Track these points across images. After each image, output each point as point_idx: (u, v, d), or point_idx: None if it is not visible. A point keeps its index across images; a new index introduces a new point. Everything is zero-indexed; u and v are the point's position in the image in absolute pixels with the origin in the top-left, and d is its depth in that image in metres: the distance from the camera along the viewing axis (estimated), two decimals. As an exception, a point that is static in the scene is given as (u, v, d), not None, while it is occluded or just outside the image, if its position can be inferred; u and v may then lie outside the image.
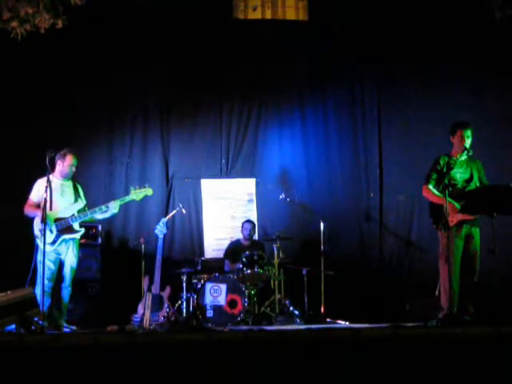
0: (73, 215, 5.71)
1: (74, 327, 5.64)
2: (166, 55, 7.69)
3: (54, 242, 5.59)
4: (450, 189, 5.21)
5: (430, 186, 5.46)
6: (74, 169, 5.84)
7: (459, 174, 5.40)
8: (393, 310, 6.63)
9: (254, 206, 7.86)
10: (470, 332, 4.15)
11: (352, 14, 7.69)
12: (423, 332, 4.36)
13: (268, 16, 8.05)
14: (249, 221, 7.41)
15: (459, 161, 5.41)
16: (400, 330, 4.66)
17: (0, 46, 6.47)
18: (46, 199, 5.28)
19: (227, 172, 7.92)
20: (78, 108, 7.46)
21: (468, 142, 5.44)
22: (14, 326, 4.93)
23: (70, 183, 5.87)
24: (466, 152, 5.36)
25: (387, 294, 7.11)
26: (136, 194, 5.88)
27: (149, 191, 5.97)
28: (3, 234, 6.70)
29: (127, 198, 5.88)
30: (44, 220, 5.25)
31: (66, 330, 5.55)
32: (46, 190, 5.32)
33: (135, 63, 7.60)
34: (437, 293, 5.67)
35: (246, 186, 7.91)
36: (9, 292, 5.01)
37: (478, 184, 5.44)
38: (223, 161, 7.92)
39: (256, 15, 8.02)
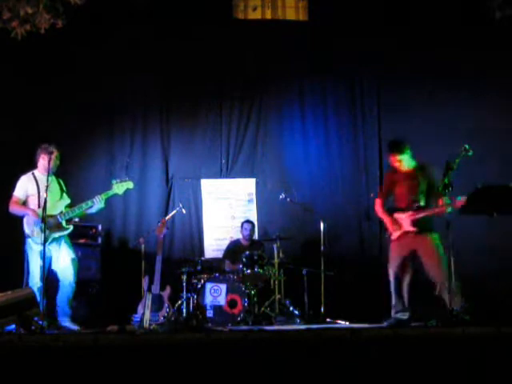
0: (61, 212, 5.67)
1: (77, 327, 5.59)
2: (165, 55, 7.69)
3: (45, 241, 5.43)
4: (450, 189, 5.21)
5: (379, 201, 5.81)
6: (58, 162, 5.75)
7: (408, 186, 5.60)
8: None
9: (254, 206, 7.86)
10: (469, 332, 4.15)
11: (352, 14, 7.69)
12: (423, 332, 4.36)
13: (268, 16, 8.05)
14: (248, 221, 7.41)
15: (403, 173, 5.63)
16: (400, 330, 4.66)
17: (0, 45, 6.47)
18: (46, 199, 5.28)
19: (227, 172, 7.92)
20: (77, 108, 7.46)
21: (401, 165, 5.61)
22: (13, 326, 4.93)
23: (53, 179, 5.79)
24: (465, 152, 5.35)
25: (387, 294, 7.09)
26: (118, 188, 5.85)
27: (129, 184, 5.95)
28: (3, 233, 6.70)
29: (110, 192, 5.85)
30: (44, 219, 5.24)
31: (72, 327, 5.52)
32: (46, 190, 5.32)
33: (135, 63, 7.60)
34: (436, 292, 5.67)
35: (245, 186, 7.91)
36: (9, 292, 5.01)
37: (423, 195, 5.53)
38: (223, 161, 7.92)
39: (256, 15, 8.01)
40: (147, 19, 7.52)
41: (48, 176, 5.41)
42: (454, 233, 5.22)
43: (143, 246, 6.75)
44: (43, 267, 5.30)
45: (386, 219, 5.72)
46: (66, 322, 5.61)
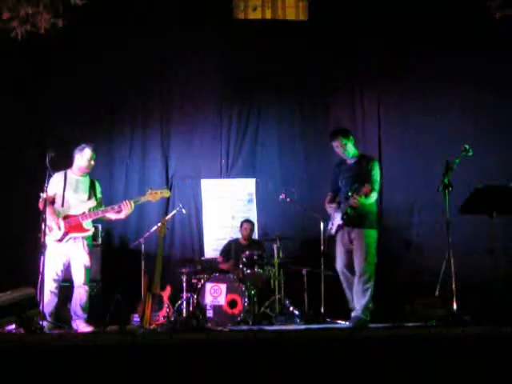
0: (83, 213, 5.57)
1: (90, 328, 5.56)
2: (165, 55, 7.70)
3: (61, 240, 5.47)
4: (450, 189, 5.21)
5: (329, 193, 5.71)
6: (93, 162, 5.69)
7: (345, 180, 5.52)
8: (393, 309, 6.62)
9: (253, 206, 7.86)
10: (469, 332, 4.15)
11: (352, 14, 7.68)
12: (423, 332, 4.36)
13: (268, 16, 8.05)
14: (248, 221, 7.41)
15: (347, 164, 5.58)
16: (400, 330, 4.66)
17: (0, 45, 6.47)
18: (45, 198, 5.25)
19: (227, 172, 7.92)
20: (78, 108, 7.46)
21: (344, 151, 5.53)
22: (13, 326, 4.93)
23: (86, 180, 5.74)
24: (465, 152, 5.34)
25: (387, 294, 7.09)
26: (152, 196, 5.69)
27: (166, 193, 5.85)
28: (3, 233, 6.71)
29: (142, 199, 5.70)
30: (44, 219, 5.23)
31: (85, 329, 5.50)
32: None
33: (135, 63, 7.60)
34: (437, 293, 5.67)
35: (245, 186, 7.91)
36: (9, 292, 5.02)
37: (352, 187, 5.40)
38: (223, 161, 7.92)
39: (256, 15, 8.01)
40: (147, 19, 7.52)
41: (47, 173, 5.35)
42: (454, 233, 5.23)
43: (143, 245, 6.74)
44: (43, 266, 5.27)
45: (327, 206, 5.67)
46: (80, 325, 5.53)
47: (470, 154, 5.37)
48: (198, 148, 7.90)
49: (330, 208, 5.64)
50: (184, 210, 7.03)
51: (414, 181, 7.54)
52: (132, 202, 5.62)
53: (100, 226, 6.93)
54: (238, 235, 7.44)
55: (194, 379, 3.46)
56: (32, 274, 5.46)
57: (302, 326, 6.07)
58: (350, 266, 5.49)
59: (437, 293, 5.67)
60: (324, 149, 7.94)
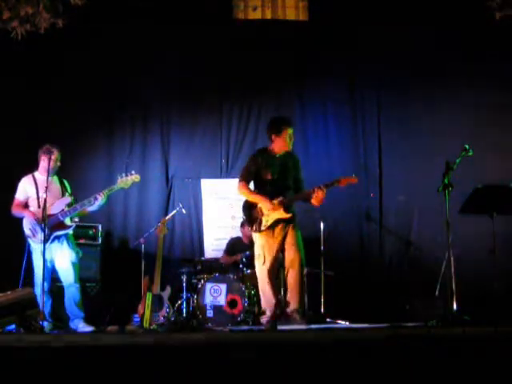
0: (62, 210, 5.63)
1: (91, 328, 5.56)
2: (165, 55, 7.69)
3: (46, 241, 5.48)
4: (450, 189, 5.21)
5: (243, 184, 5.46)
6: (58, 163, 5.75)
7: (277, 172, 5.36)
8: (393, 310, 6.63)
9: (253, 206, 7.85)
10: (469, 332, 4.15)
11: (352, 14, 7.68)
12: (423, 332, 4.37)
13: (268, 16, 8.03)
14: (250, 220, 7.40)
15: (278, 157, 5.43)
16: (400, 330, 4.67)
17: (0, 45, 6.47)
18: (45, 199, 5.28)
19: (227, 172, 7.92)
20: (77, 108, 7.46)
21: (290, 140, 5.43)
22: (14, 326, 4.94)
23: (55, 178, 5.79)
24: (465, 152, 5.34)
25: (387, 294, 7.10)
26: (124, 183, 5.75)
27: (136, 178, 5.83)
28: (3, 233, 6.70)
29: (115, 187, 5.76)
30: (44, 220, 5.24)
31: (86, 329, 5.49)
32: (45, 191, 5.30)
33: (135, 63, 7.61)
34: (437, 293, 5.67)
35: (246, 186, 7.89)
36: (9, 292, 5.02)
37: (288, 181, 5.31)
38: (223, 161, 7.92)
39: (256, 15, 8.00)
40: (147, 20, 7.52)
41: (48, 177, 5.40)
42: (454, 233, 5.23)
43: (143, 245, 6.75)
44: (43, 267, 5.29)
45: (260, 198, 5.31)
46: (79, 325, 5.56)
47: (470, 153, 5.38)
48: (198, 148, 7.90)
49: (267, 202, 5.25)
50: (184, 210, 7.04)
51: (414, 181, 7.54)
52: (105, 192, 5.66)
53: (100, 226, 6.94)
54: (238, 235, 7.43)
55: (194, 379, 3.46)
56: (26, 277, 5.49)
57: (302, 326, 6.07)
58: (277, 265, 5.33)
59: (437, 293, 5.66)
60: (323, 149, 7.96)
